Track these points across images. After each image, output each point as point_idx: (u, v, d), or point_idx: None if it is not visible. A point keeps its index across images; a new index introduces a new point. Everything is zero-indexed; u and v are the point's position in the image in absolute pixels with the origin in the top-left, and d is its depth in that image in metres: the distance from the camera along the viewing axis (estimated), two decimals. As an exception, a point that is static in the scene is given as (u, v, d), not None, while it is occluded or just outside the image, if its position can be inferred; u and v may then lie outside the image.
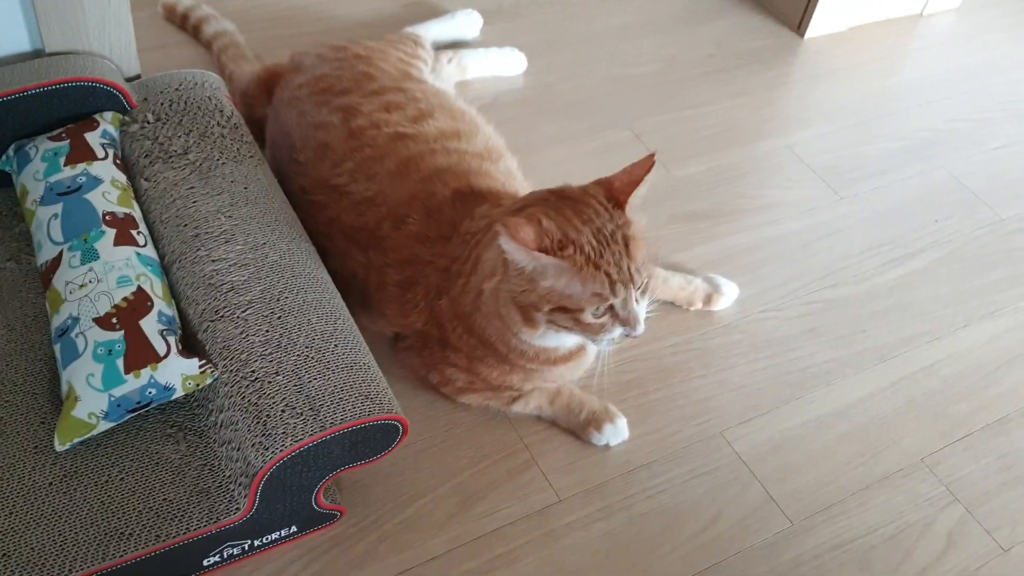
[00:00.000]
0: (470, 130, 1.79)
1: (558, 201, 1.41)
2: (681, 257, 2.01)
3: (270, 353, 1.38)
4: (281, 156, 1.80)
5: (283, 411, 1.32)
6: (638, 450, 1.66)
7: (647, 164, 1.40)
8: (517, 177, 1.78)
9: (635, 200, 1.40)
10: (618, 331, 1.40)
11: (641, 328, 1.40)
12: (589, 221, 1.37)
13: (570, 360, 1.58)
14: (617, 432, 1.65)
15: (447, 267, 1.55)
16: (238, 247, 1.51)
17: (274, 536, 1.43)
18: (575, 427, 1.66)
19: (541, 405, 1.66)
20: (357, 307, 1.64)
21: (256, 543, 1.42)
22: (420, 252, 1.58)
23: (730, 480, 1.63)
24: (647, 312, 1.44)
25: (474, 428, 1.65)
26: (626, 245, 1.37)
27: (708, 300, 1.90)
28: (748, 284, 1.97)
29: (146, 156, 1.66)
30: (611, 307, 1.38)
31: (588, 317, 1.37)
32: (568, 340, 1.49)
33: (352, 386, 1.36)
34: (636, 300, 1.39)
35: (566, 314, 1.38)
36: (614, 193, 1.40)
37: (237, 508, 1.33)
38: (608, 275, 1.35)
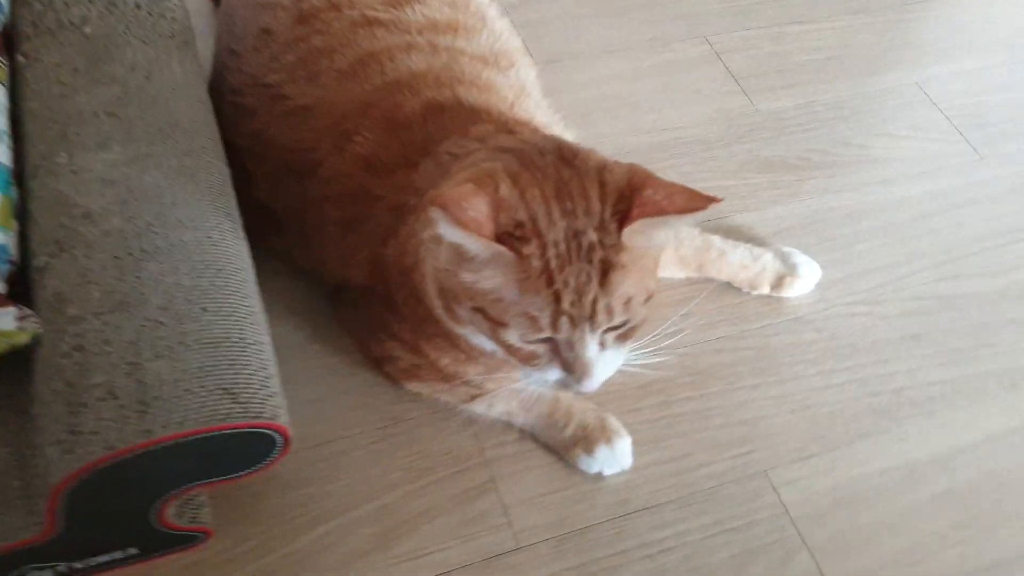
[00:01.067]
0: (473, 24, 1.33)
1: (543, 164, 0.95)
2: (749, 218, 1.51)
3: (107, 312, 0.97)
4: (221, 46, 1.37)
5: (101, 401, 0.91)
6: (643, 486, 1.21)
7: (698, 202, 0.89)
8: (532, 95, 1.31)
9: (647, 227, 0.90)
10: (554, 374, 0.97)
11: (590, 385, 0.96)
12: (571, 215, 0.91)
13: None
14: (614, 457, 1.20)
15: (401, 204, 1.11)
16: (110, 156, 1.11)
17: (104, 559, 1.04)
18: (558, 444, 1.22)
19: (511, 410, 1.22)
20: (296, 245, 1.23)
21: (77, 566, 1.03)
22: (368, 183, 1.14)
23: (768, 543, 1.17)
24: (623, 365, 1.01)
25: (420, 428, 1.23)
26: (603, 272, 0.90)
27: (778, 283, 1.41)
28: (835, 264, 1.46)
29: (34, 25, 1.26)
30: (550, 340, 0.93)
31: (512, 338, 0.94)
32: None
33: (212, 372, 0.94)
34: (593, 346, 0.94)
35: (486, 321, 0.95)
36: (630, 198, 0.91)
37: (37, 524, 0.94)
38: (557, 297, 0.89)
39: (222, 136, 1.20)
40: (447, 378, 1.18)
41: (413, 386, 1.23)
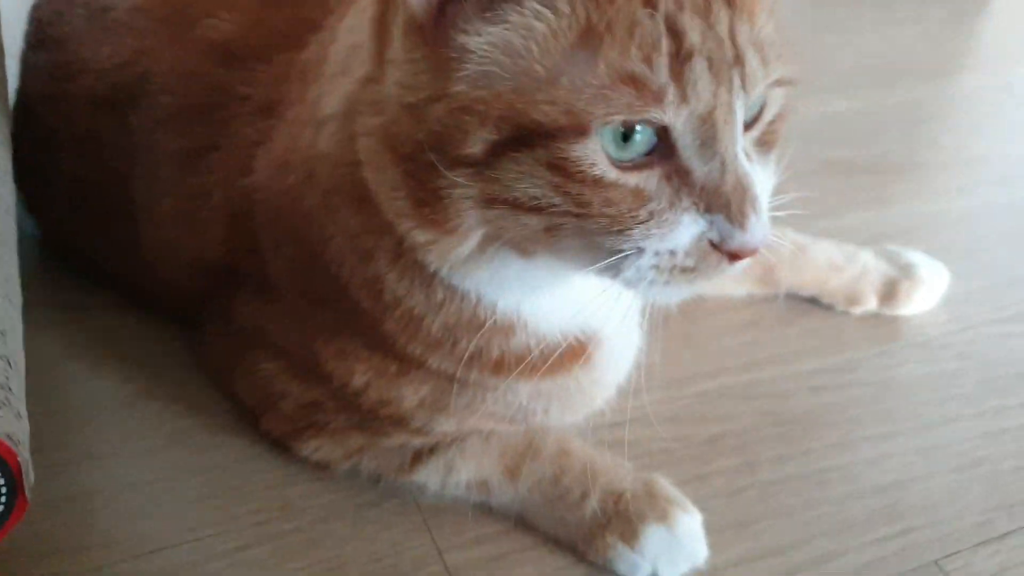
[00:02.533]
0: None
1: None
2: (825, 224, 1.04)
3: None
4: None
5: None
6: (733, 596, 0.67)
7: None
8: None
9: None
10: (690, 225, 0.49)
11: (759, 223, 0.49)
12: None
13: (563, 370, 0.64)
14: (676, 546, 0.67)
15: (277, 100, 0.65)
16: None
17: None
18: (572, 531, 0.69)
19: (487, 475, 0.70)
20: (124, 241, 0.76)
21: None
22: (225, 81, 0.70)
23: None
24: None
25: (328, 522, 0.70)
26: None
27: (889, 294, 0.93)
28: (962, 275, 0.98)
29: None
30: (666, 138, 0.48)
31: (600, 162, 0.47)
32: (540, 275, 0.58)
33: None
34: (740, 137, 0.49)
35: (530, 152, 0.47)
36: None
37: None
38: (673, 26, 0.46)
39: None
40: (367, 420, 0.67)
41: (311, 446, 0.71)
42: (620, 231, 0.49)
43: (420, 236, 0.53)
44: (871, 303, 0.93)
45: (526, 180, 0.48)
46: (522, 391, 0.65)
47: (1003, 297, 0.98)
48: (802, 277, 0.93)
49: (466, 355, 0.61)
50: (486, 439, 0.69)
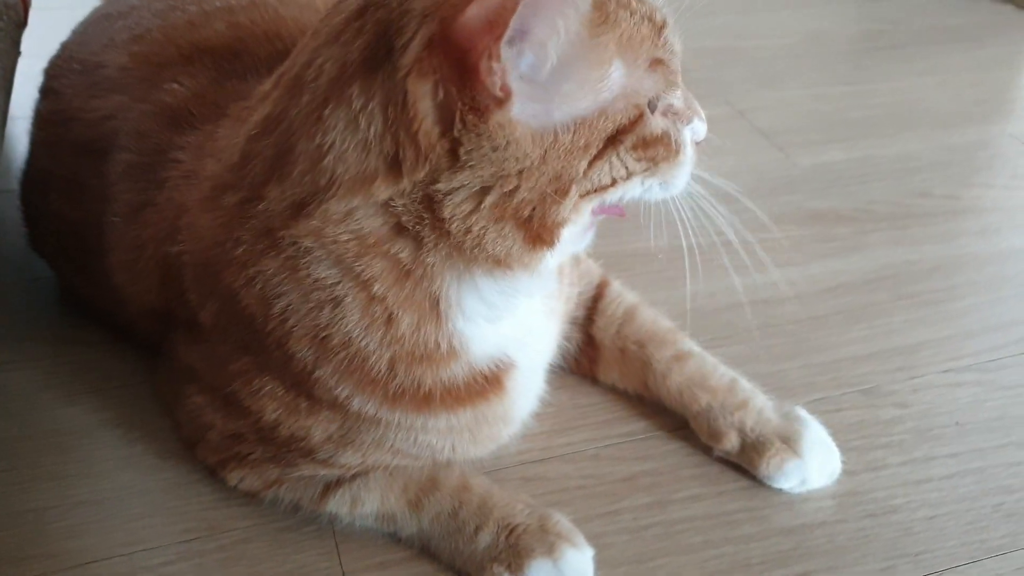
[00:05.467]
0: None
1: None
2: (788, 273, 1.07)
3: None
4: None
5: None
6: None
7: None
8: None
9: None
10: (689, 133, 0.66)
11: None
12: None
13: (482, 399, 0.70)
14: (560, 577, 0.71)
15: (195, 172, 0.73)
16: None
17: None
18: (467, 562, 0.74)
19: (391, 508, 0.76)
20: (98, 276, 0.85)
21: None
22: (167, 142, 0.78)
23: None
24: None
25: (249, 543, 0.77)
26: None
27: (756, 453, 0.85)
28: (921, 325, 1.00)
29: None
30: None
31: (656, 121, 0.62)
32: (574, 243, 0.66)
33: None
34: None
35: (618, 146, 0.60)
36: None
37: None
38: (649, 16, 0.61)
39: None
40: (281, 453, 0.74)
41: (235, 476, 0.77)
42: (674, 159, 0.63)
43: (528, 258, 0.61)
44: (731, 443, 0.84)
45: (616, 167, 0.60)
46: (434, 427, 0.70)
47: (960, 348, 0.98)
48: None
49: (398, 390, 0.66)
50: (390, 473, 0.74)
